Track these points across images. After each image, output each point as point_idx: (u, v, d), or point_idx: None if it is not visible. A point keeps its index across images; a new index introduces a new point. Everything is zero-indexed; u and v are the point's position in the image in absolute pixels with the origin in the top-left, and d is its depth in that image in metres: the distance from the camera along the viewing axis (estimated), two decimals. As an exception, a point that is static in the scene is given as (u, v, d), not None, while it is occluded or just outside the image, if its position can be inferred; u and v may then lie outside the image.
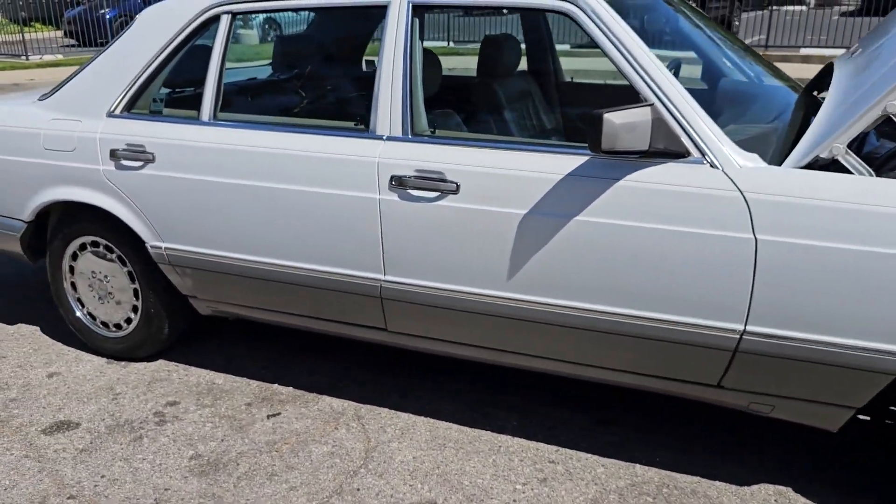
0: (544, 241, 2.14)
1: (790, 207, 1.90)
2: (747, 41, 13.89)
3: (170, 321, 2.92)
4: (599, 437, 2.49)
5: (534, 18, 3.42)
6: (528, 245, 2.16)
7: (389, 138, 2.34)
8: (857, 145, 2.32)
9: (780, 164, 2.01)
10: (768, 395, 2.09)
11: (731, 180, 1.96)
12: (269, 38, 18.12)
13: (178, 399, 2.75)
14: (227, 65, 2.71)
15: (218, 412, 2.66)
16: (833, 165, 1.98)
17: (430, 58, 2.58)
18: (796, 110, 2.38)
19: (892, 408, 2.15)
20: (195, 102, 2.69)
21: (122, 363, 3.03)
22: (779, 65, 11.08)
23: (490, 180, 2.18)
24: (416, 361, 2.98)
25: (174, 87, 2.85)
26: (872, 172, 1.92)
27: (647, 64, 2.06)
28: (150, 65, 2.71)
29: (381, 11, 2.42)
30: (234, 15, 2.60)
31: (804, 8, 19.08)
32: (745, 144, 2.10)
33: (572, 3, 2.16)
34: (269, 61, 3.41)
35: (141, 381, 2.88)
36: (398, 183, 2.28)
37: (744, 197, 1.94)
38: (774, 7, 14.43)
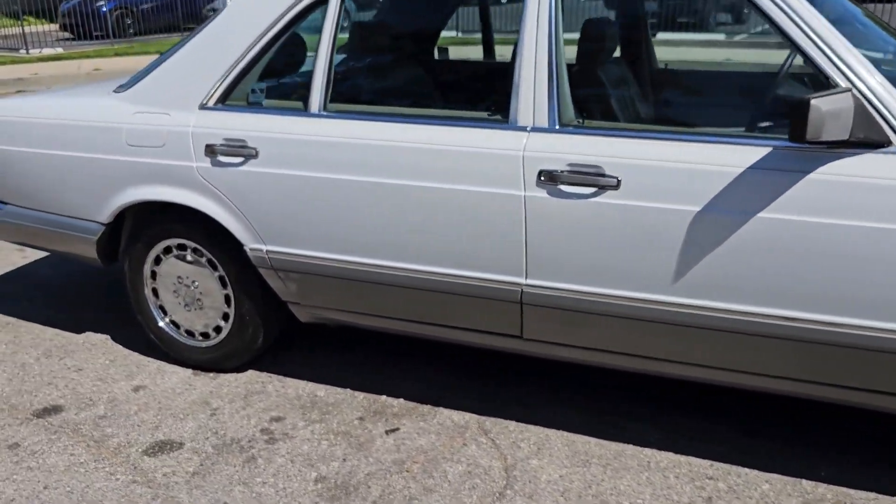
0: (721, 240, 1.95)
1: None
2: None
3: (265, 329, 2.71)
4: (750, 449, 2.31)
5: (631, 3, 3.22)
6: (700, 245, 1.97)
7: (534, 129, 2.14)
8: None
9: None
10: None
11: None
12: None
13: (283, 414, 2.55)
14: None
15: (330, 428, 2.46)
16: None
17: None
18: None
19: None
20: (301, 92, 2.48)
21: (211, 375, 2.82)
22: None
23: (656, 174, 1.99)
24: (520, 367, 2.79)
25: (275, 75, 2.64)
26: None
27: (837, 45, 1.88)
28: (249, 52, 2.49)
29: None
30: None
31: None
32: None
33: None
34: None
35: (236, 395, 2.67)
36: (548, 178, 2.08)
37: None
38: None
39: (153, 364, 2.91)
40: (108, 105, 2.73)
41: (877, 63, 1.89)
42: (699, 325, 2.04)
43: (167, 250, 2.76)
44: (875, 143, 1.83)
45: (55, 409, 2.61)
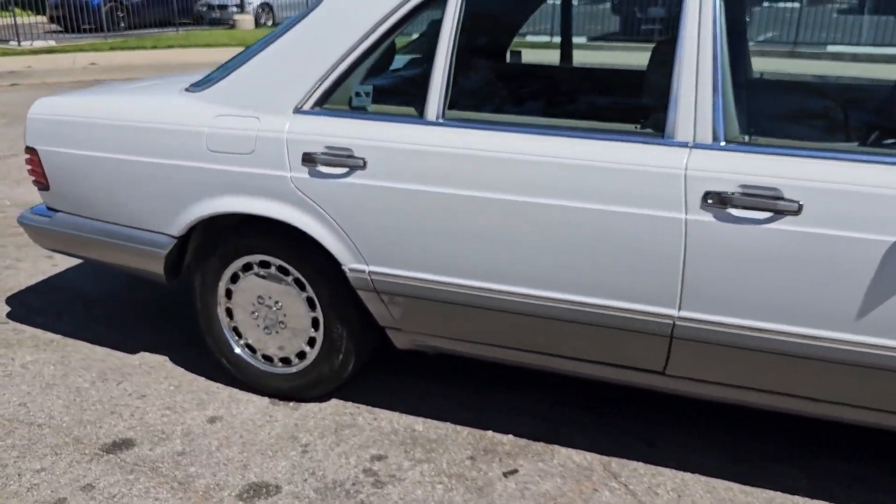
0: (921, 274, 1.75)
1: None
2: None
3: (356, 356, 2.47)
4: (907, 497, 2.12)
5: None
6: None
7: (697, 146, 1.92)
8: None
9: None
10: None
11: None
12: (263, 23, 17.42)
13: (383, 452, 2.31)
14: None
15: (440, 469, 2.22)
16: None
17: None
18: None
19: None
20: (415, 97, 2.24)
21: (291, 404, 2.57)
22: None
23: (846, 200, 1.78)
24: (634, 398, 2.57)
25: (380, 78, 2.39)
26: None
27: None
28: (352, 52, 2.24)
29: None
30: None
31: None
32: None
33: None
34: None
35: (326, 429, 2.43)
36: (717, 201, 1.86)
37: None
38: None
39: (223, 391, 2.65)
40: (184, 106, 2.47)
41: None
42: (887, 367, 1.83)
43: (247, 267, 2.50)
44: None
45: (126, 444, 2.35)
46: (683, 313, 1.97)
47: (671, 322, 1.98)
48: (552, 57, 2.90)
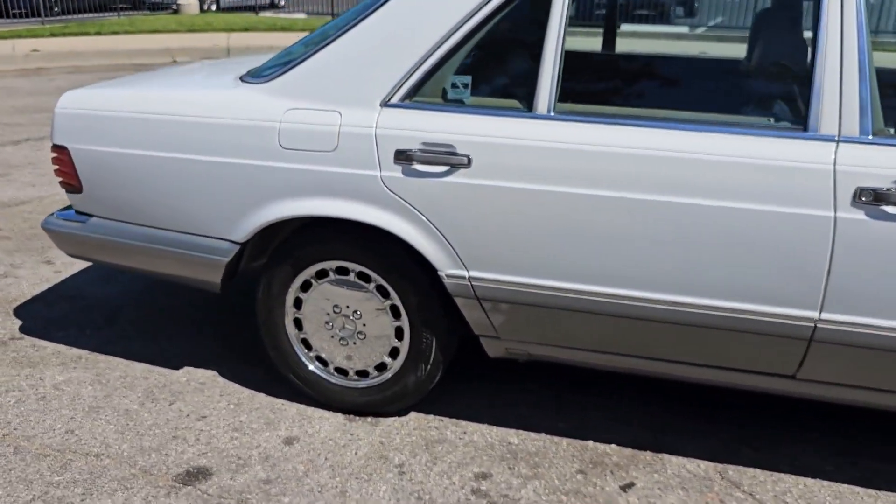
0: None
1: None
2: None
3: (443, 366, 2.31)
4: None
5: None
6: None
7: (845, 140, 1.82)
8: None
9: None
10: None
11: None
12: (208, 7, 16.72)
13: (486, 469, 2.16)
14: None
15: (553, 486, 2.09)
16: None
17: None
18: None
19: None
20: (519, 89, 2.08)
21: (369, 420, 2.39)
22: None
23: None
24: (720, 399, 2.49)
25: (475, 68, 2.21)
26: None
27: None
28: (447, 39, 2.06)
29: None
30: None
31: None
32: None
33: None
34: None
35: (416, 446, 2.26)
36: (873, 198, 1.77)
37: None
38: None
39: (290, 408, 2.45)
40: (248, 98, 2.25)
41: None
42: None
43: (320, 274, 2.31)
44: None
45: (202, 473, 2.13)
46: (826, 315, 1.87)
47: (812, 325, 1.89)
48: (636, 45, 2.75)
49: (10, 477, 2.10)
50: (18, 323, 3.01)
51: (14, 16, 14.69)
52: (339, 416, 2.40)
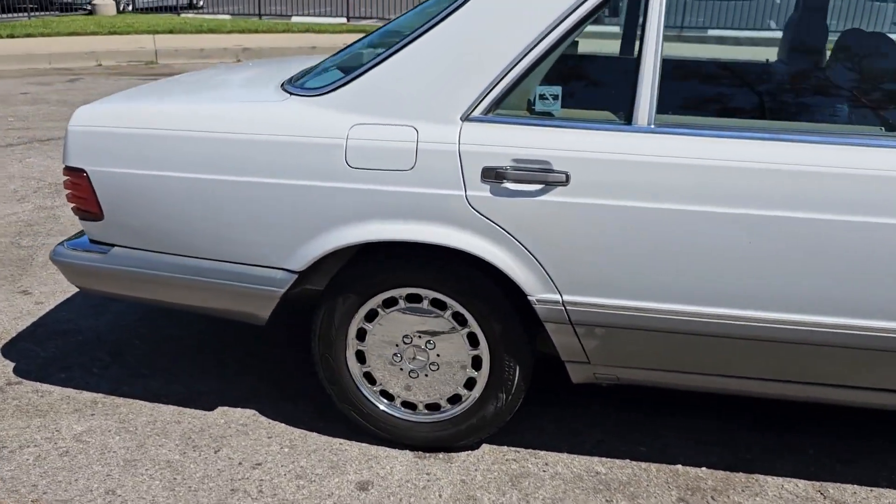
0: None
1: None
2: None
3: (524, 394, 2.16)
4: None
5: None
6: None
7: None
8: None
9: None
10: None
11: None
12: (123, 7, 15.88)
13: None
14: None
15: (659, 518, 1.98)
16: None
17: None
18: None
19: None
20: (614, 100, 1.96)
21: (440, 456, 2.22)
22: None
23: None
24: (789, 412, 2.44)
25: (561, 77, 2.07)
26: None
27: None
28: (535, 45, 1.90)
29: None
30: None
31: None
32: None
33: None
34: None
35: (500, 482, 2.11)
36: None
37: None
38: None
39: (350, 448, 2.26)
40: (305, 113, 2.05)
41: None
42: None
43: (388, 302, 2.13)
44: None
45: (279, 531, 1.93)
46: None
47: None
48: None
49: (56, 551, 1.84)
50: (10, 364, 2.69)
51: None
52: (408, 454, 2.23)
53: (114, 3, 14.73)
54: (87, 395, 2.51)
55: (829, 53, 2.48)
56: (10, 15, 14.09)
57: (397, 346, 2.16)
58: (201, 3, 17.46)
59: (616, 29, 2.39)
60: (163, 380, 2.61)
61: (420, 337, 2.14)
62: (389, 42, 2.30)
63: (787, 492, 2.08)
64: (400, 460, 2.20)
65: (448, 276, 2.06)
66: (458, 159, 1.93)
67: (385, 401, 2.23)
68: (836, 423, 2.39)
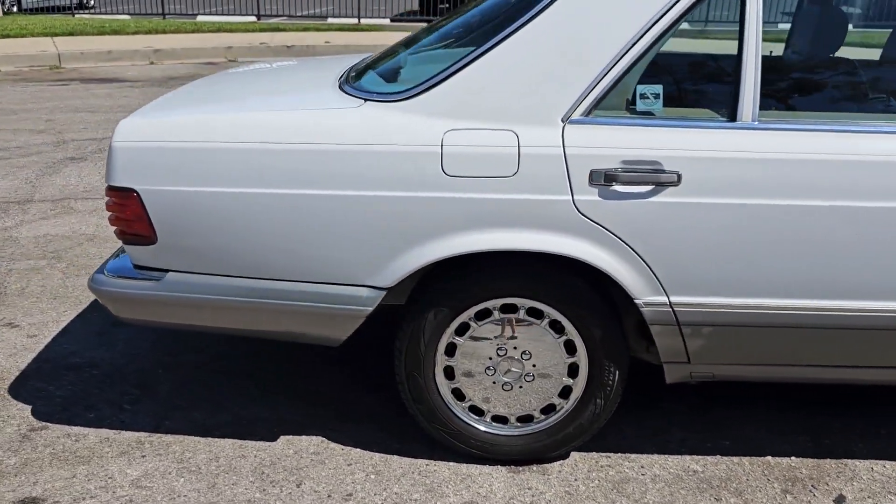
0: None
1: None
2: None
3: (619, 399, 2.12)
4: None
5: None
6: None
7: None
8: None
9: None
10: None
11: None
12: (8, 8, 14.73)
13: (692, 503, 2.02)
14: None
15: (772, 511, 1.99)
16: None
17: None
18: None
19: None
20: (716, 96, 1.94)
21: (534, 468, 2.15)
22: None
23: None
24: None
25: (657, 75, 2.02)
26: None
27: None
28: (637, 41, 1.85)
29: None
30: None
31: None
32: None
33: None
34: None
35: (605, 491, 2.06)
36: None
37: None
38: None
39: (440, 468, 2.16)
40: (389, 120, 1.93)
41: None
42: None
43: (481, 314, 2.04)
44: None
45: (402, 564, 1.81)
46: None
47: None
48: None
49: None
50: (25, 408, 2.43)
51: None
52: (501, 470, 2.15)
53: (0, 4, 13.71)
54: (128, 435, 2.30)
55: None
56: None
57: (490, 358, 2.08)
58: (92, 2, 16.51)
59: (693, 27, 2.40)
60: (206, 410, 2.42)
61: (515, 348, 2.06)
62: (460, 40, 2.22)
63: (879, 473, 2.14)
64: (495, 477, 2.12)
65: (547, 283, 1.99)
66: (564, 163, 1.87)
67: (474, 416, 2.14)
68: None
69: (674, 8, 1.86)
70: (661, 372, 2.08)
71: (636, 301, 1.95)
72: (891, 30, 2.56)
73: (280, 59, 9.59)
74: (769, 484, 2.10)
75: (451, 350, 2.08)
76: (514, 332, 2.04)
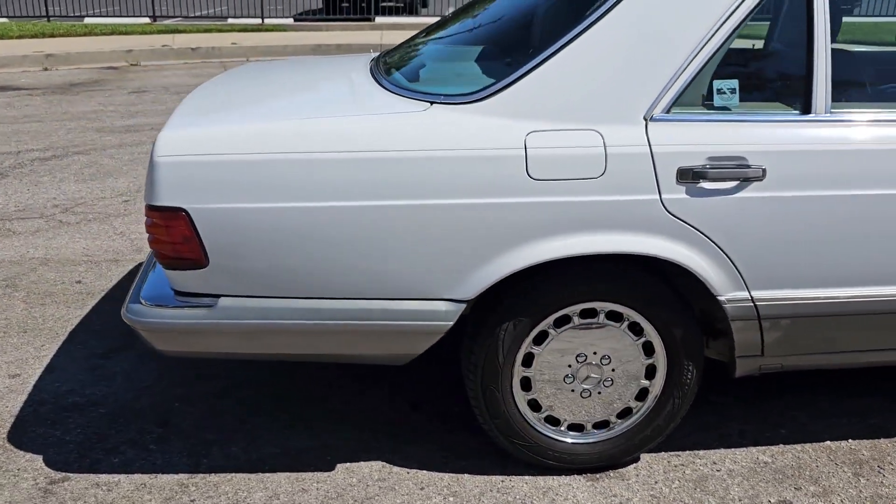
0: None
1: None
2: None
3: (695, 398, 2.10)
4: None
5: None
6: None
7: None
8: None
9: None
10: None
11: None
12: None
13: (780, 496, 2.01)
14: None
15: (852, 496, 2.02)
16: None
17: None
18: None
19: None
20: (788, 90, 1.94)
21: (610, 474, 2.10)
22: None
23: None
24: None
25: (737, 68, 1.98)
26: None
27: None
28: (712, 35, 1.83)
29: None
30: None
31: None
32: None
33: None
34: None
35: (689, 491, 2.03)
36: None
37: None
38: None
39: (517, 483, 2.07)
40: (465, 124, 1.83)
41: None
42: None
43: (560, 321, 1.97)
44: None
45: (519, 591, 1.71)
46: None
47: None
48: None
49: None
50: (36, 458, 2.17)
51: None
52: (579, 479, 2.09)
53: None
54: (166, 478, 2.09)
55: None
56: None
57: (570, 366, 2.01)
58: (-41, 4, 15.19)
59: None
60: (243, 444, 2.23)
61: (595, 353, 2.00)
62: (510, 34, 2.14)
63: (935, 449, 2.23)
64: (576, 487, 2.06)
65: (628, 285, 1.94)
66: (651, 162, 1.83)
67: (551, 427, 2.07)
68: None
69: (744, 4, 1.85)
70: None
71: (718, 298, 1.93)
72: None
73: (237, 60, 9.12)
74: (839, 469, 2.14)
75: (527, 360, 2.00)
76: (595, 336, 1.99)
